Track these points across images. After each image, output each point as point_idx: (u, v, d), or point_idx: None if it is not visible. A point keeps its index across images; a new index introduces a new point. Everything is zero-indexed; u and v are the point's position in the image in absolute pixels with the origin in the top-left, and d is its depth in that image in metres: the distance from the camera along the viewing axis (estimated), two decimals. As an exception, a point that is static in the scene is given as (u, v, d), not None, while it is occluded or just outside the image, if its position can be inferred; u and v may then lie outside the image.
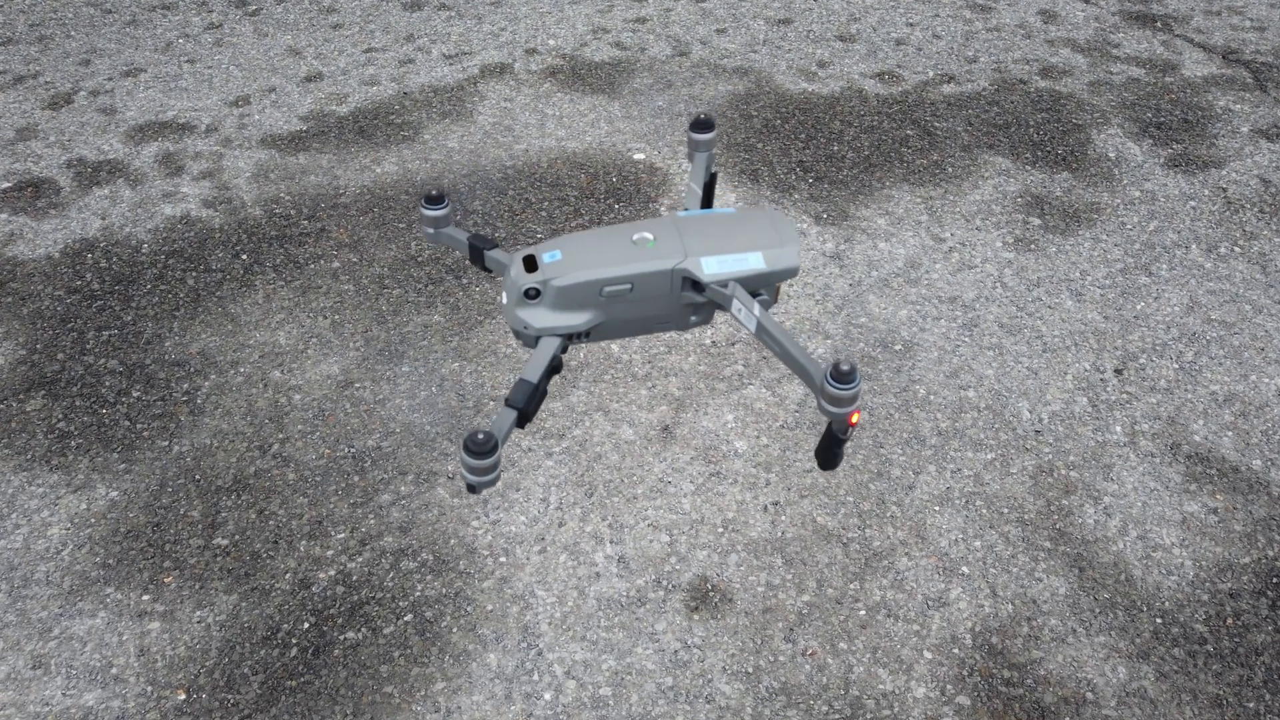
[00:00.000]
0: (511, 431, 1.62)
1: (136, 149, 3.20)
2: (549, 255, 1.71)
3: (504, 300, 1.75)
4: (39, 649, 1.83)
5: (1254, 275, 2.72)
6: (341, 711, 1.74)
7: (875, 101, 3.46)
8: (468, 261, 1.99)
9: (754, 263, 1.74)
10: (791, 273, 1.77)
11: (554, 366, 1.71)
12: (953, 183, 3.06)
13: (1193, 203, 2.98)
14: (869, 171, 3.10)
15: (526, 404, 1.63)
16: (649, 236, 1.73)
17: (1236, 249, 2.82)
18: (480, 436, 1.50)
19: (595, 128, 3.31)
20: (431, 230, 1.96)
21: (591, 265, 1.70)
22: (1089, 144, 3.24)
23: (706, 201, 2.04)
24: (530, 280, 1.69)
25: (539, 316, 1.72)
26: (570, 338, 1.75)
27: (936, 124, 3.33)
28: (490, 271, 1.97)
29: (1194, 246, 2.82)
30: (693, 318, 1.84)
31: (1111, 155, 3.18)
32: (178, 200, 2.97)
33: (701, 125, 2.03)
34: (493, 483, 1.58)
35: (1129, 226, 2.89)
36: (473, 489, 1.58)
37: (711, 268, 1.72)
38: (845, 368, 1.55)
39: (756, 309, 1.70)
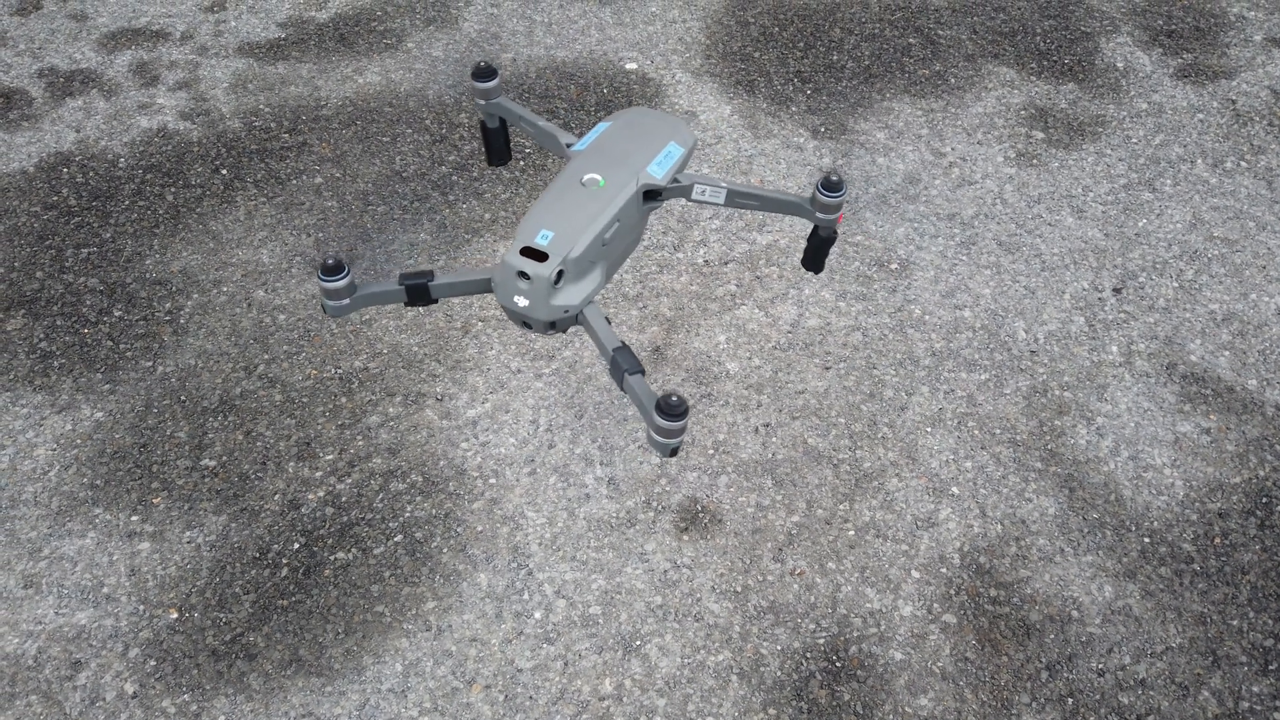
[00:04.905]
0: None
1: (110, 57, 3.08)
2: (541, 237, 1.70)
3: (525, 303, 1.70)
4: (29, 569, 1.84)
5: (1259, 191, 2.66)
6: (333, 630, 1.76)
7: (877, 8, 3.32)
8: (405, 307, 2.02)
9: (676, 152, 1.87)
10: (694, 148, 1.94)
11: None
12: (955, 94, 2.96)
13: (1200, 115, 2.90)
14: (869, 83, 3.00)
15: (639, 363, 1.70)
16: (596, 177, 1.79)
17: (1243, 163, 2.74)
18: (674, 399, 1.56)
19: (585, 35, 3.18)
20: (346, 301, 1.75)
21: (583, 224, 1.72)
22: (1097, 53, 3.13)
23: (507, 141, 2.25)
24: (552, 267, 1.67)
25: (573, 294, 1.73)
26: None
27: (940, 32, 3.21)
28: (436, 302, 1.85)
29: (1200, 161, 2.75)
30: (643, 224, 1.95)
31: (1120, 65, 3.08)
32: (154, 112, 2.87)
33: (484, 73, 2.07)
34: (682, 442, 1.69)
35: (1134, 140, 2.81)
36: (674, 452, 1.64)
37: (658, 172, 1.82)
38: (835, 178, 1.77)
39: (722, 181, 1.86)
